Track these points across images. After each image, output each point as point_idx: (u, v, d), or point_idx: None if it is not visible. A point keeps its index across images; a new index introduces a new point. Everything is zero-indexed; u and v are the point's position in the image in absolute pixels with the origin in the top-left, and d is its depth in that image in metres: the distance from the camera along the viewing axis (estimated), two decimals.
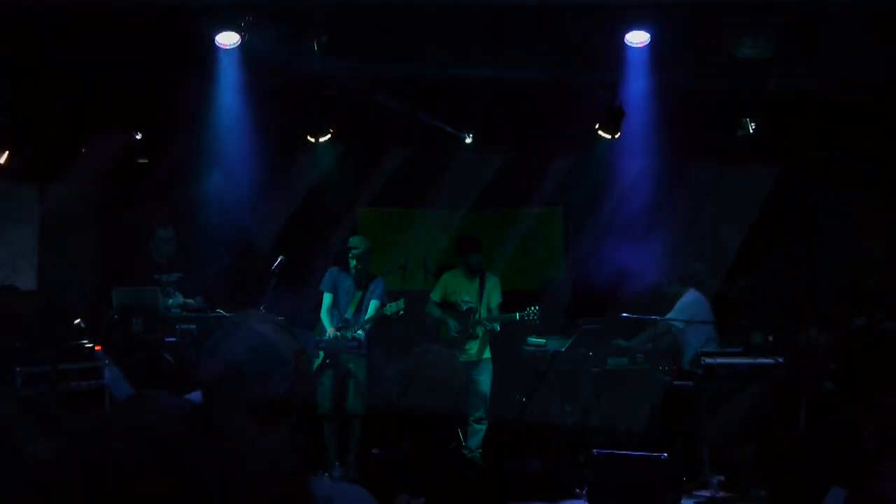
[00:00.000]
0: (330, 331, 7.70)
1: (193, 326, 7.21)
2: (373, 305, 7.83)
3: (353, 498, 1.98)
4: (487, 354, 8.19)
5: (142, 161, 8.99)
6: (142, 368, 6.75)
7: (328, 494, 1.89)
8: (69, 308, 7.34)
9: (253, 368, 1.90)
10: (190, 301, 7.90)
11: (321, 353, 7.66)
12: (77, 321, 6.97)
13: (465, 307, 8.18)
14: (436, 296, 8.37)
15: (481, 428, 8.01)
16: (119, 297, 7.25)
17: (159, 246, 8.09)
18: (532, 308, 7.93)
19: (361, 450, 7.69)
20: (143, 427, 0.85)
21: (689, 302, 7.68)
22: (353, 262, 7.79)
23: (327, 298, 7.92)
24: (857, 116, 7.97)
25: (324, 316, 7.88)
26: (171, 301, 7.85)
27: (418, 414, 2.65)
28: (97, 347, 6.84)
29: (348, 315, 7.83)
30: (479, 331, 8.13)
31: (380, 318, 7.74)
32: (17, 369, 6.02)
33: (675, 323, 7.56)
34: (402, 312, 7.71)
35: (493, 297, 8.22)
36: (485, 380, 8.08)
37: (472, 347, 8.11)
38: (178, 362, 6.80)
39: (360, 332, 7.65)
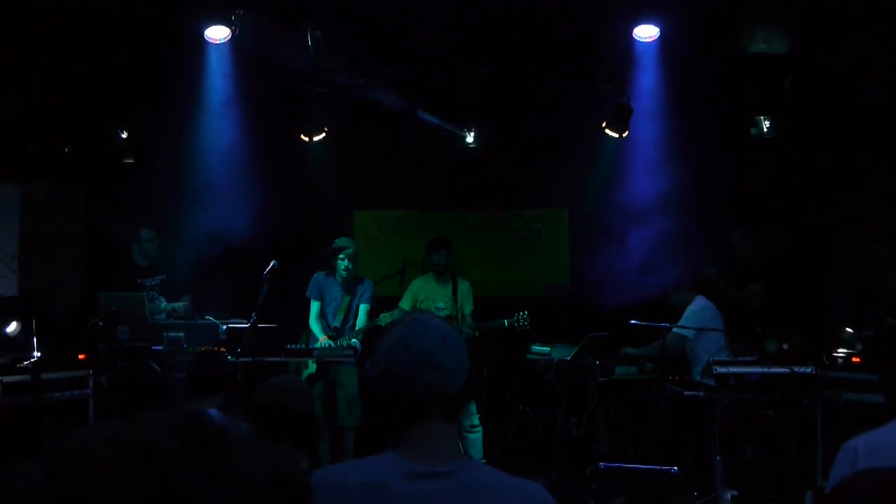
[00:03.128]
0: (322, 339, 7.67)
1: (182, 334, 7.22)
2: (363, 310, 7.78)
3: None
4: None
5: (127, 161, 9.00)
6: (126, 378, 6.75)
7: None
8: (52, 314, 7.35)
9: (446, 359, 2.01)
10: (177, 305, 7.90)
11: (311, 363, 7.63)
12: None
13: (441, 314, 8.09)
14: (405, 303, 8.23)
15: (476, 437, 7.97)
16: (105, 303, 7.25)
17: (143, 248, 8.12)
18: (521, 313, 7.85)
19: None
20: (132, 441, 0.85)
21: (698, 310, 7.67)
22: (343, 264, 7.70)
23: (315, 306, 7.87)
24: (872, 116, 7.99)
25: (313, 324, 7.83)
26: (162, 305, 7.86)
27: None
28: (81, 356, 6.85)
29: (336, 323, 7.78)
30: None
31: (372, 327, 7.67)
32: None
33: (684, 331, 7.56)
34: None
35: (466, 303, 8.16)
36: None
37: None
38: (164, 371, 6.80)
39: (354, 340, 7.62)
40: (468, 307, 8.15)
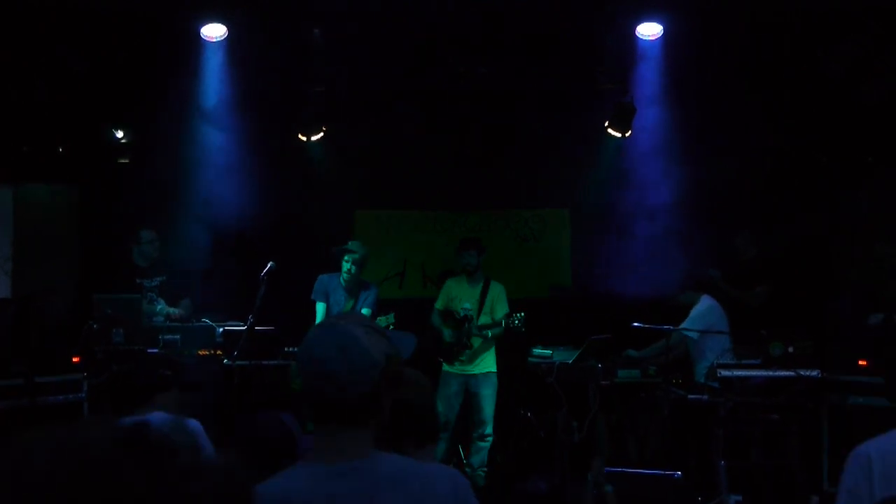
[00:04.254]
0: None
1: (178, 336, 7.21)
2: (365, 314, 7.77)
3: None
4: (491, 367, 8.05)
5: (123, 161, 9.00)
6: (121, 382, 6.74)
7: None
8: (46, 317, 7.34)
9: (341, 368, 2.03)
10: (174, 311, 7.89)
11: None
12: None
13: (462, 314, 8.08)
14: (439, 304, 8.28)
15: (485, 446, 7.97)
16: (99, 306, 7.24)
17: (143, 249, 8.10)
18: (517, 315, 7.81)
19: None
20: (76, 449, 0.85)
21: (705, 310, 7.66)
22: (346, 266, 7.70)
23: (321, 308, 7.85)
24: (874, 117, 8.00)
25: None
26: (158, 308, 7.84)
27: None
28: (75, 359, 6.84)
29: None
30: (476, 342, 8.01)
31: None
32: None
33: (689, 333, 7.55)
34: (392, 327, 7.59)
35: (498, 307, 8.09)
36: (487, 394, 7.96)
37: (468, 358, 8.02)
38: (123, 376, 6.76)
39: None
40: (500, 311, 8.05)
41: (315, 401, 2.07)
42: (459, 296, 8.21)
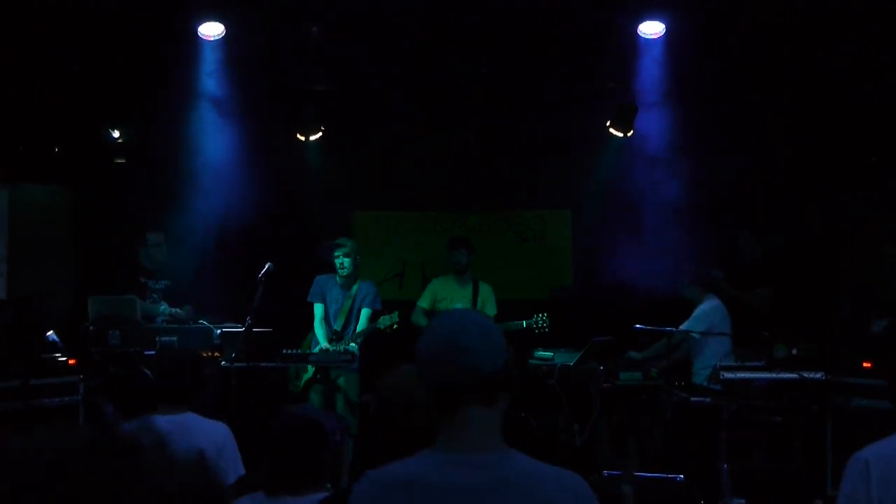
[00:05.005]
0: (323, 345, 7.62)
1: (175, 338, 7.19)
2: (364, 314, 7.72)
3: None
4: None
5: (119, 161, 8.98)
6: (117, 384, 6.73)
7: None
8: (42, 319, 7.33)
9: (484, 348, 2.06)
10: (178, 311, 7.86)
11: (310, 368, 7.61)
12: (49, 333, 6.95)
13: None
14: (424, 302, 8.28)
15: None
16: (95, 307, 7.22)
17: (150, 252, 8.04)
18: (540, 315, 7.83)
19: (355, 470, 7.67)
20: (47, 452, 0.86)
21: (709, 310, 7.65)
22: (338, 262, 7.65)
23: (318, 309, 7.82)
24: (879, 116, 8.01)
25: (317, 328, 7.77)
26: (161, 308, 7.82)
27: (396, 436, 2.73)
28: (71, 361, 6.83)
29: (337, 326, 7.72)
30: None
31: (372, 331, 7.63)
32: None
33: (692, 334, 7.54)
34: (396, 326, 7.57)
35: (488, 307, 8.12)
36: None
37: None
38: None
39: (352, 344, 7.57)
40: (490, 312, 8.09)
41: (448, 378, 2.06)
42: (450, 296, 8.20)
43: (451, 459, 2.02)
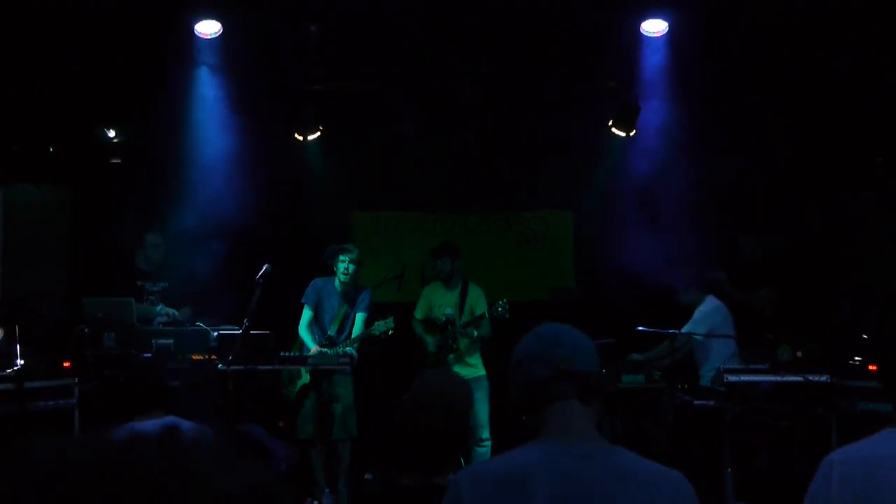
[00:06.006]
0: (314, 349, 7.56)
1: (171, 341, 7.19)
2: (360, 318, 7.68)
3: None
4: (481, 371, 8.04)
5: (115, 161, 8.98)
6: (113, 387, 6.73)
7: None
8: (36, 320, 7.32)
9: (587, 345, 2.26)
10: (174, 312, 7.84)
11: (304, 373, 7.58)
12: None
13: (443, 319, 8.06)
14: (419, 313, 8.26)
15: (484, 451, 7.94)
16: (90, 309, 7.21)
17: (148, 253, 8.03)
18: (500, 302, 7.77)
19: (353, 475, 7.66)
20: (110, 450, 0.86)
21: (710, 311, 7.63)
22: (343, 267, 7.59)
23: (307, 313, 7.73)
24: (883, 116, 8.01)
25: (303, 332, 7.69)
26: (158, 308, 7.81)
27: (426, 439, 2.77)
28: (66, 364, 6.83)
29: (332, 332, 7.67)
30: (463, 343, 7.99)
31: (367, 336, 7.60)
32: None
33: (695, 335, 7.52)
34: (391, 332, 7.55)
35: (477, 308, 8.07)
36: (479, 397, 7.80)
37: (455, 359, 7.99)
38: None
39: (349, 348, 7.51)
40: (479, 312, 8.07)
41: (547, 371, 2.16)
42: (439, 302, 8.20)
43: (559, 450, 2.09)
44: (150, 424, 4.06)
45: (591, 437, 2.14)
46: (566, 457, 2.07)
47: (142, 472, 0.85)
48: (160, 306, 7.85)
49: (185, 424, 4.21)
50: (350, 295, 7.75)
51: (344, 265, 7.62)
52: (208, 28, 7.38)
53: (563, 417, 2.14)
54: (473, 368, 8.03)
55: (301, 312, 7.79)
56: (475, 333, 7.94)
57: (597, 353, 2.25)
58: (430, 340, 8.08)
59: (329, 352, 7.48)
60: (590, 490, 2.04)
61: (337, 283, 7.72)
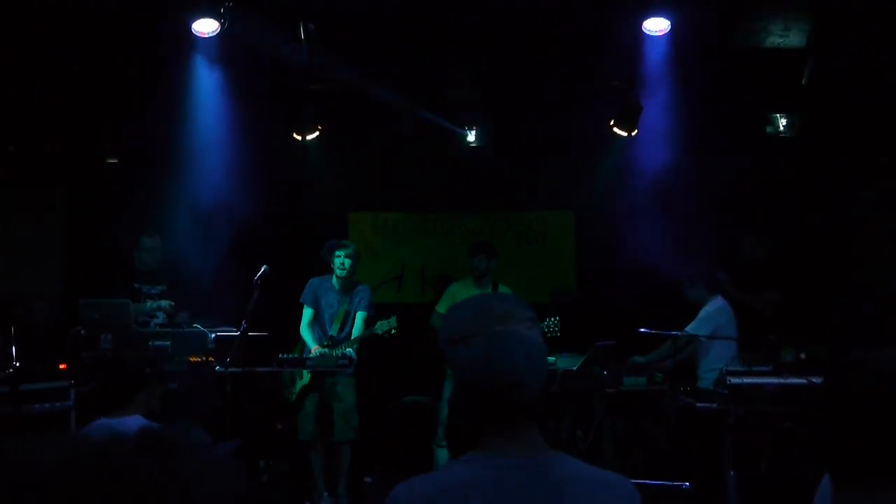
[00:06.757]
0: (314, 348, 7.54)
1: (168, 342, 7.18)
2: (360, 317, 7.66)
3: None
4: None
5: (111, 161, 8.97)
6: (110, 389, 6.71)
7: None
8: (32, 321, 7.31)
9: (531, 376, 2.09)
10: (163, 303, 7.81)
11: (305, 374, 7.57)
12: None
13: None
14: (441, 308, 8.18)
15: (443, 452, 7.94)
16: (86, 311, 7.20)
17: (142, 256, 8.01)
18: (552, 319, 7.72)
19: (352, 478, 7.65)
20: (90, 450, 0.86)
21: (714, 311, 7.60)
22: (339, 261, 7.57)
23: (307, 313, 7.74)
24: (881, 118, 8.01)
25: (304, 332, 7.70)
26: (148, 306, 7.77)
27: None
28: (62, 366, 6.82)
29: (333, 332, 7.66)
30: None
31: (368, 336, 7.59)
32: None
33: (697, 332, 7.50)
34: (394, 331, 7.53)
35: None
36: None
37: None
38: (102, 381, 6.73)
39: (349, 349, 7.50)
40: None
41: (501, 412, 2.10)
42: None
43: (501, 463, 2.06)
44: (118, 423, 4.09)
45: (533, 445, 2.10)
46: (505, 470, 2.05)
47: (119, 474, 0.85)
48: (149, 303, 7.82)
49: (153, 425, 4.21)
50: (348, 292, 7.74)
51: (339, 260, 7.61)
52: (206, 27, 7.37)
53: (509, 433, 2.10)
54: None
55: (301, 313, 7.77)
56: None
57: (546, 362, 2.17)
58: None
59: (328, 353, 7.46)
60: (534, 500, 2.02)
61: (334, 279, 7.72)
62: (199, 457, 0.91)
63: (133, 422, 4.17)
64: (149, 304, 7.80)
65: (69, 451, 0.87)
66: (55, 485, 0.84)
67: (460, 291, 8.20)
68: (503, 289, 8.16)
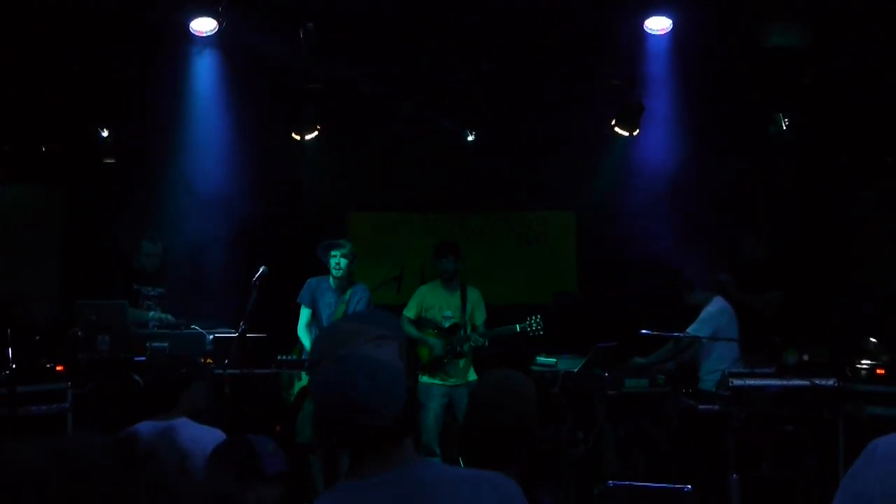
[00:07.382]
0: None
1: (166, 344, 7.16)
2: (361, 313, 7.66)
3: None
4: (473, 376, 7.92)
5: (109, 161, 8.96)
6: (107, 391, 6.71)
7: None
8: (28, 323, 7.30)
9: (374, 398, 2.00)
10: (166, 317, 7.80)
11: (304, 376, 7.55)
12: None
13: (447, 324, 7.94)
14: (410, 312, 8.06)
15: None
16: (83, 312, 7.17)
17: (142, 260, 7.97)
18: (534, 317, 7.68)
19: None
20: (68, 458, 0.85)
21: (716, 312, 7.59)
22: (334, 262, 7.52)
23: (305, 313, 7.71)
24: (881, 119, 8.01)
25: (302, 333, 7.67)
26: (150, 314, 7.75)
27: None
28: (59, 367, 6.81)
29: None
30: (467, 348, 7.87)
31: None
32: None
33: (699, 332, 7.49)
34: None
35: (478, 313, 7.98)
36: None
37: (460, 367, 7.89)
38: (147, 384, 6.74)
39: None
40: (480, 317, 7.96)
41: (345, 433, 2.04)
42: (437, 304, 8.06)
43: (357, 486, 2.01)
44: (151, 426, 4.06)
45: (400, 460, 2.03)
46: (371, 492, 2.00)
47: (93, 479, 0.84)
48: (153, 312, 7.79)
49: (195, 427, 4.20)
50: (345, 292, 7.70)
51: (335, 260, 7.56)
52: (204, 26, 7.36)
53: (362, 458, 2.04)
54: (469, 374, 7.96)
55: (299, 314, 7.75)
56: (486, 343, 7.85)
57: (401, 384, 2.03)
58: (437, 343, 7.94)
59: None
60: None
61: (331, 279, 7.68)
62: (175, 468, 0.91)
63: (182, 424, 4.15)
64: (152, 314, 7.76)
65: (45, 453, 0.87)
66: (31, 486, 0.83)
67: (427, 295, 8.13)
68: (472, 290, 8.09)
